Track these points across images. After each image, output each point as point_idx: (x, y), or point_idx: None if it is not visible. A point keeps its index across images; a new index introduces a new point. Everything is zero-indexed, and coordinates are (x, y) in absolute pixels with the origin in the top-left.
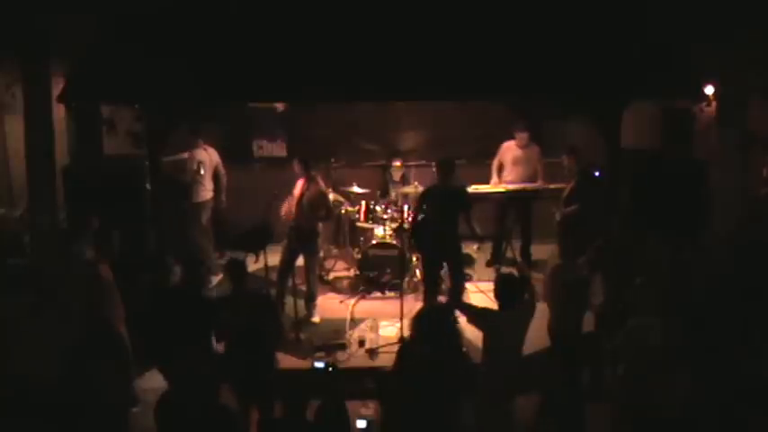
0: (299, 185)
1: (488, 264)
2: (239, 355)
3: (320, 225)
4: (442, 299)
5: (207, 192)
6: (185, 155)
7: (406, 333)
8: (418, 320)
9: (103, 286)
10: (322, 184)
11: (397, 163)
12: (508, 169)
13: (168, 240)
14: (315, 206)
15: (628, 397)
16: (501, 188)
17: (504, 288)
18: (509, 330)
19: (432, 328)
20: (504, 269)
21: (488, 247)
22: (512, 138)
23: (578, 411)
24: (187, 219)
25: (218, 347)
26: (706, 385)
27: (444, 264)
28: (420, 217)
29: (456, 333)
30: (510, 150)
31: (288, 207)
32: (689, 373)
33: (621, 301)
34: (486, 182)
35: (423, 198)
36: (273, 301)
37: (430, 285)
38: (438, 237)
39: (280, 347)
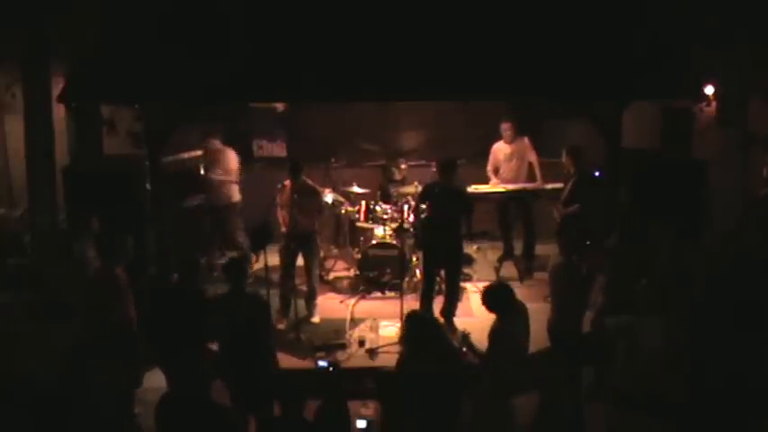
0: (286, 188)
1: (500, 259)
2: (236, 356)
3: (317, 225)
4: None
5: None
6: (231, 157)
7: (403, 346)
8: (406, 334)
9: (120, 287)
10: (309, 180)
11: (403, 165)
12: (503, 167)
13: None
14: (307, 202)
15: (624, 393)
16: (501, 188)
17: (493, 298)
18: (511, 337)
19: (421, 336)
20: (508, 268)
21: (489, 247)
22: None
23: (578, 411)
24: (229, 219)
25: (215, 348)
26: (705, 384)
27: (443, 266)
28: (421, 215)
29: (444, 335)
30: (500, 149)
31: (282, 215)
32: (687, 373)
33: (621, 301)
34: (486, 182)
35: (423, 195)
36: (267, 304)
37: (427, 287)
38: (439, 236)
39: (278, 348)
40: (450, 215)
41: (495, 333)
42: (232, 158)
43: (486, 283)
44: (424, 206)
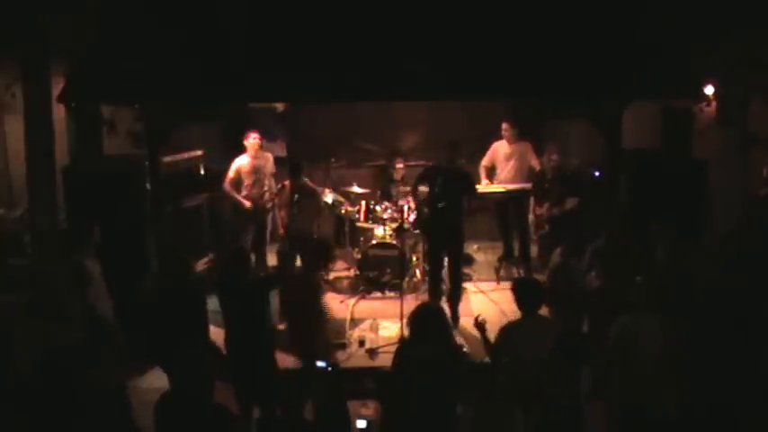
0: (286, 188)
1: (500, 259)
2: (239, 352)
3: (315, 225)
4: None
5: None
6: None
7: (406, 333)
8: (412, 320)
9: (93, 281)
10: (308, 181)
11: (400, 165)
12: (501, 167)
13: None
14: (306, 203)
15: (623, 395)
16: (501, 188)
17: (523, 293)
18: (528, 343)
19: (426, 328)
20: (504, 270)
21: (489, 246)
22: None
23: (578, 411)
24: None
25: (219, 345)
26: (704, 385)
27: (445, 249)
28: (421, 198)
29: (450, 331)
30: (501, 148)
31: (281, 215)
32: (686, 373)
33: (617, 301)
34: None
35: (422, 177)
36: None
37: (433, 276)
38: (441, 218)
39: (278, 348)
40: (453, 195)
41: (506, 328)
42: (272, 161)
43: (486, 284)
44: (421, 189)
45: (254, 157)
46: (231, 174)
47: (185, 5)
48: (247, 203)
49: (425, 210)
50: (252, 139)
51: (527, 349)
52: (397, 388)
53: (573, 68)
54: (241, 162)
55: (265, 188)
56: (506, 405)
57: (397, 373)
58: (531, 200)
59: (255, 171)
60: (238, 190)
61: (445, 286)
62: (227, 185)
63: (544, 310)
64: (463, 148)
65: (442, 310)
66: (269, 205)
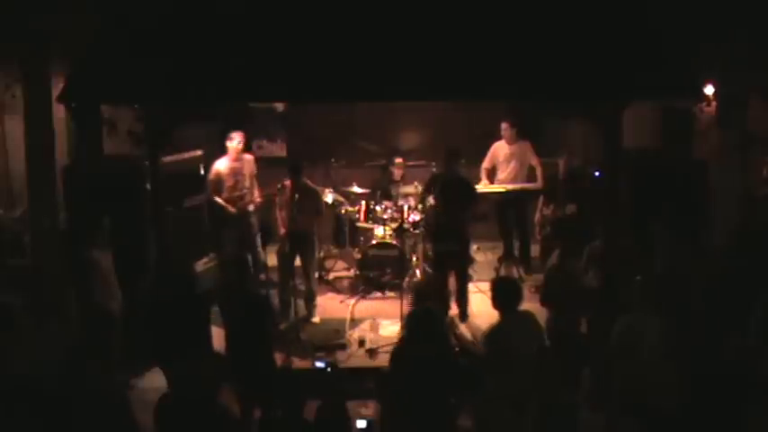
0: (287, 188)
1: (500, 259)
2: (239, 354)
3: (315, 225)
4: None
5: None
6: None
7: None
8: (409, 320)
9: (102, 273)
10: (309, 181)
11: (399, 160)
12: (501, 168)
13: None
14: (307, 203)
15: (623, 395)
16: (501, 188)
17: (500, 292)
18: (511, 340)
19: (422, 327)
20: (504, 270)
21: (489, 247)
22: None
23: (577, 412)
24: (253, 222)
25: (219, 348)
26: (704, 385)
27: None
28: (427, 204)
29: (446, 333)
30: (501, 149)
31: (282, 215)
32: (685, 372)
33: (618, 300)
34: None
35: (430, 185)
36: (270, 302)
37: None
38: (446, 225)
39: (278, 347)
40: (457, 203)
41: (491, 332)
42: (253, 162)
43: (486, 284)
44: (430, 197)
45: (234, 160)
46: (211, 176)
47: (185, 5)
48: (231, 207)
49: (434, 217)
50: (236, 143)
51: (511, 347)
52: (395, 388)
53: (572, 69)
54: (219, 165)
55: (245, 190)
56: (498, 405)
57: (395, 373)
58: (541, 199)
59: (235, 174)
60: (219, 192)
61: (451, 290)
62: (208, 188)
63: (543, 312)
64: (463, 153)
65: (437, 310)
66: (250, 208)
